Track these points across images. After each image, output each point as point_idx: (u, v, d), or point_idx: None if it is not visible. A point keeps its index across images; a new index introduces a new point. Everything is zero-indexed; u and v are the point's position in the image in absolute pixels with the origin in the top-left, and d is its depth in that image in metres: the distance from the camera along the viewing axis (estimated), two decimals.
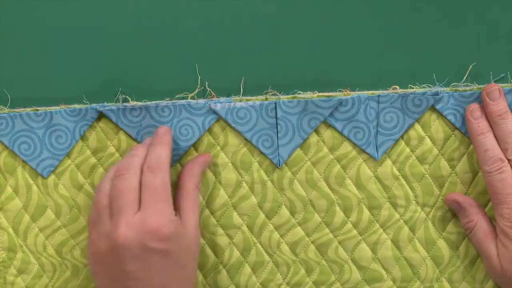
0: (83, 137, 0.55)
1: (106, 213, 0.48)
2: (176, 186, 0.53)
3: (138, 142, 0.54)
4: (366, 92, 0.54)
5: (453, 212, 0.55)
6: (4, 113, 0.54)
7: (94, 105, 0.55)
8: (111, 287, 0.48)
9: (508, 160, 0.51)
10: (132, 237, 0.46)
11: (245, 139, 0.55)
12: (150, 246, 0.47)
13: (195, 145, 0.55)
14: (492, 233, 0.52)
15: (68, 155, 0.55)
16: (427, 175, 0.55)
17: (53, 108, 0.54)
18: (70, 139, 0.54)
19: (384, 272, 0.55)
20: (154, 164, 0.49)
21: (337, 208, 0.55)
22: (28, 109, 0.55)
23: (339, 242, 0.55)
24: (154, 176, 0.48)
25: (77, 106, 0.55)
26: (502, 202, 0.50)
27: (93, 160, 0.55)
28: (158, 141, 0.51)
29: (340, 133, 0.55)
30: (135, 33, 0.55)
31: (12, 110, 0.55)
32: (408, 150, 0.55)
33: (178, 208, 0.50)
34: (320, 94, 0.55)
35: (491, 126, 0.52)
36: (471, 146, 0.54)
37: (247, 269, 0.55)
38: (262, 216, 0.55)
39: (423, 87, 0.55)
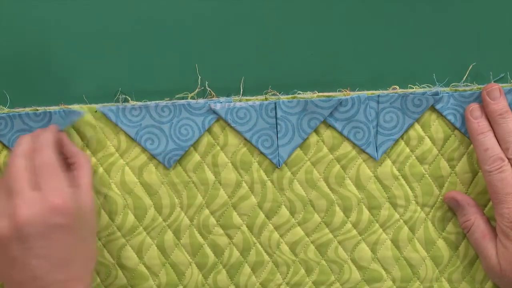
0: (83, 138, 0.55)
1: (3, 195, 0.48)
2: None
3: (138, 142, 0.54)
4: (366, 92, 0.54)
5: (452, 212, 0.55)
6: (3, 113, 0.54)
7: (94, 105, 0.54)
8: (9, 271, 0.47)
9: (508, 159, 0.51)
10: (34, 214, 0.46)
11: (245, 139, 0.55)
12: (52, 222, 0.47)
13: (194, 145, 0.55)
14: (490, 233, 0.52)
15: None
16: (427, 175, 0.55)
17: (52, 108, 0.54)
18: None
19: (383, 272, 0.55)
20: (39, 146, 0.50)
21: (337, 208, 0.55)
22: (27, 109, 0.55)
23: (339, 242, 0.55)
24: (41, 155, 0.49)
25: (77, 106, 0.54)
26: (502, 202, 0.50)
27: (92, 160, 0.55)
28: (40, 131, 0.52)
29: (340, 133, 0.55)
30: (135, 33, 0.55)
31: (12, 110, 0.55)
32: (408, 150, 0.55)
33: (72, 178, 0.51)
34: (320, 94, 0.55)
35: (491, 126, 0.52)
36: (471, 146, 0.54)
37: (246, 269, 0.55)
38: (262, 216, 0.55)
39: (423, 87, 0.55)
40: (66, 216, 0.48)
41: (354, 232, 0.55)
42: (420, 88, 0.55)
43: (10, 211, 0.47)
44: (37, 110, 0.54)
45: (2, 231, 0.47)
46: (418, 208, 0.55)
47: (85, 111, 0.54)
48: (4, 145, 0.55)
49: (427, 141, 0.55)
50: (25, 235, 0.46)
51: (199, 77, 0.55)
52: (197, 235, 0.55)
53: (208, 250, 0.55)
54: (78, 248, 0.49)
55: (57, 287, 0.47)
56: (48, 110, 0.54)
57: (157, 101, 0.55)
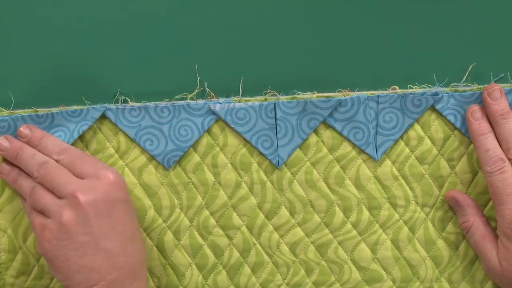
0: (82, 138, 0.55)
1: (50, 198, 0.49)
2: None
3: (137, 143, 0.54)
4: (365, 92, 0.54)
5: (453, 212, 0.55)
6: (5, 116, 0.54)
7: (93, 105, 0.54)
8: (81, 260, 0.47)
9: (509, 160, 0.51)
10: (95, 195, 0.48)
11: (245, 139, 0.55)
12: (113, 198, 0.48)
13: (194, 146, 0.55)
14: (489, 235, 0.52)
15: None
16: (427, 175, 0.55)
17: (52, 110, 0.54)
18: (68, 138, 0.54)
19: (383, 272, 0.55)
20: (59, 149, 0.51)
21: (337, 209, 0.55)
22: (27, 111, 0.54)
23: (339, 243, 0.55)
24: (70, 154, 0.51)
25: (76, 107, 0.54)
26: (503, 203, 0.50)
27: None
28: (37, 136, 0.52)
29: (340, 133, 0.54)
30: (134, 34, 0.55)
31: (12, 112, 0.54)
32: (407, 150, 0.55)
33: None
34: (320, 94, 0.54)
35: (492, 127, 0.52)
36: (471, 146, 0.54)
37: (246, 270, 0.56)
38: (261, 216, 0.55)
39: (423, 87, 0.54)
40: (122, 190, 0.49)
41: (354, 232, 0.55)
42: (420, 88, 0.54)
43: (71, 200, 0.48)
44: (37, 111, 0.54)
45: (68, 221, 0.47)
46: (418, 208, 0.55)
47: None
48: None
49: (427, 141, 0.54)
50: (90, 217, 0.47)
51: (198, 78, 0.55)
52: (197, 236, 0.55)
53: (208, 251, 0.55)
54: (136, 223, 0.50)
55: (126, 271, 0.48)
56: (50, 112, 0.54)
57: (156, 102, 0.54)
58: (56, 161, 0.51)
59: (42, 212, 0.49)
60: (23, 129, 0.53)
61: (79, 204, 0.47)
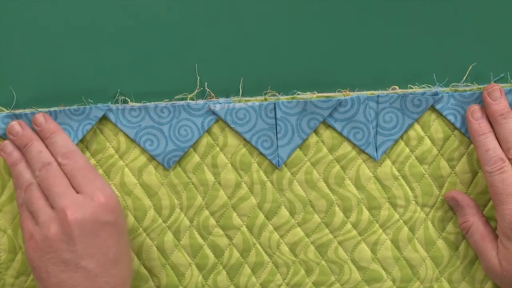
0: (82, 139, 0.55)
1: (43, 204, 0.49)
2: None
3: (137, 143, 0.54)
4: (365, 92, 0.54)
5: (453, 212, 0.55)
6: (10, 112, 0.54)
7: (93, 105, 0.54)
8: (61, 275, 0.48)
9: (509, 159, 0.51)
10: (83, 215, 0.48)
11: (245, 139, 0.55)
12: (101, 220, 0.48)
13: (194, 146, 0.55)
14: (489, 235, 0.52)
15: None
16: (427, 175, 0.55)
17: (52, 109, 0.54)
18: (73, 137, 0.54)
19: (383, 273, 0.55)
20: (66, 151, 0.51)
21: (337, 209, 0.55)
22: (27, 110, 0.54)
23: (339, 243, 0.55)
24: (74, 160, 0.51)
25: (76, 107, 0.54)
26: (503, 203, 0.50)
27: (92, 161, 0.55)
28: (50, 129, 0.52)
29: (340, 133, 0.54)
30: (134, 34, 0.55)
31: (11, 110, 0.54)
32: (407, 150, 0.55)
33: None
34: (320, 94, 0.54)
35: (492, 127, 0.52)
36: (471, 146, 0.54)
37: (247, 270, 0.56)
38: (261, 216, 0.55)
39: (423, 87, 0.54)
40: (113, 213, 0.49)
41: (354, 232, 0.55)
42: (420, 88, 0.54)
43: (59, 215, 0.48)
44: (37, 110, 0.54)
45: (54, 236, 0.48)
46: (418, 208, 0.55)
47: None
48: None
49: (427, 141, 0.54)
50: (76, 236, 0.48)
51: (198, 78, 0.55)
52: (197, 236, 0.55)
53: (208, 251, 0.55)
54: (123, 247, 0.50)
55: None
56: (53, 110, 0.54)
57: (156, 102, 0.54)
58: (59, 164, 0.51)
59: (32, 213, 0.50)
60: (39, 117, 0.53)
61: (66, 221, 0.48)
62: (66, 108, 0.54)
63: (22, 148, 0.52)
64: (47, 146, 0.52)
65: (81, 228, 0.48)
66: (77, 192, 0.50)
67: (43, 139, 0.53)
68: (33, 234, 0.49)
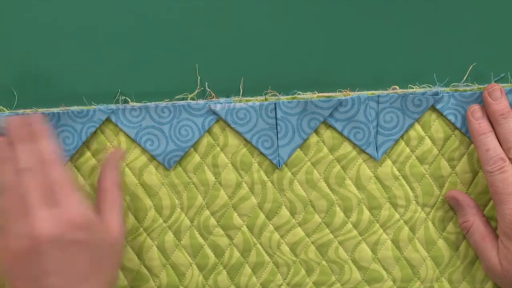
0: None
1: (15, 215, 0.47)
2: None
3: (138, 143, 0.54)
4: (365, 92, 0.54)
5: (453, 212, 0.55)
6: (12, 112, 0.54)
7: (98, 106, 0.54)
8: (28, 287, 0.46)
9: (510, 159, 0.51)
10: (53, 232, 0.46)
11: (245, 139, 0.55)
12: (70, 238, 0.46)
13: (194, 146, 0.55)
14: (489, 235, 0.52)
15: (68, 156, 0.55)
16: (427, 175, 0.55)
17: (52, 110, 0.54)
18: (77, 140, 0.54)
19: (384, 272, 0.55)
20: (49, 159, 0.48)
21: (337, 209, 0.55)
22: (27, 111, 0.55)
23: (339, 243, 0.55)
24: (54, 171, 0.48)
25: (76, 107, 0.54)
26: (504, 202, 0.50)
27: (93, 161, 0.55)
28: (34, 133, 0.49)
29: (340, 133, 0.54)
30: (135, 34, 0.55)
31: (12, 111, 0.55)
32: (408, 150, 0.55)
33: (98, 209, 0.51)
34: (320, 94, 0.54)
35: (492, 126, 0.52)
36: (471, 146, 0.54)
37: (247, 270, 0.56)
38: (262, 216, 0.55)
39: (423, 87, 0.54)
40: (83, 231, 0.47)
41: (355, 232, 0.55)
42: (420, 88, 0.54)
43: (28, 230, 0.46)
44: (37, 111, 0.54)
45: (20, 250, 0.46)
46: (419, 208, 0.55)
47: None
48: None
49: (427, 141, 0.54)
50: (43, 252, 0.46)
51: (199, 78, 0.55)
52: (198, 236, 0.55)
53: (208, 251, 0.55)
54: (94, 265, 0.48)
55: None
56: (56, 111, 0.54)
57: (157, 102, 0.55)
58: (40, 170, 0.48)
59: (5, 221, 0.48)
60: (32, 117, 0.50)
61: (35, 237, 0.46)
62: (69, 110, 0.54)
63: (8, 144, 0.49)
64: (31, 150, 0.49)
65: (49, 245, 0.46)
66: (51, 205, 0.47)
67: (29, 142, 0.50)
68: (4, 247, 0.47)
